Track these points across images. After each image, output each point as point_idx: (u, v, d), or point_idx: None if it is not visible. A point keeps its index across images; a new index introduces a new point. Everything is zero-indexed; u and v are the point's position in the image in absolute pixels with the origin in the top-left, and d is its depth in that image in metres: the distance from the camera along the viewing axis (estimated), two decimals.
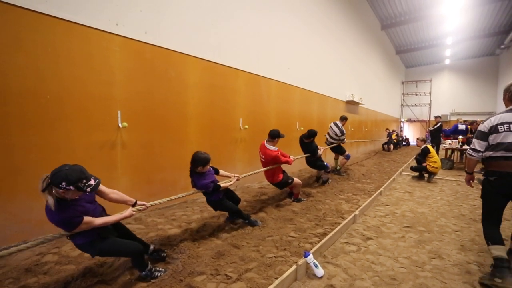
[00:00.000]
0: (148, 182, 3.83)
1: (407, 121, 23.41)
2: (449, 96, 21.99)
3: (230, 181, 3.26)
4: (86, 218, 1.79)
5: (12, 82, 2.62)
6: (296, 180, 4.26)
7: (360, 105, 12.21)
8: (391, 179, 6.14)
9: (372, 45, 14.12)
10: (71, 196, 1.74)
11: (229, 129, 5.19)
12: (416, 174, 6.77)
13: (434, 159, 6.20)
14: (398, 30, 16.50)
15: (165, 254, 2.53)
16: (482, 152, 2.40)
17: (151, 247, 2.47)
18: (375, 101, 15.02)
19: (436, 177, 6.54)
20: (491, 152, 2.32)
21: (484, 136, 2.37)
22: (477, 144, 2.42)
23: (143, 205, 2.34)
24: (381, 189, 5.10)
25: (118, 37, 3.43)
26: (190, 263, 2.42)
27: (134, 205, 2.28)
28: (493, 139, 2.31)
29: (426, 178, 6.40)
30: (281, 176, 4.12)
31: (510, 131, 2.22)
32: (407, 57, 21.77)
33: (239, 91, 5.34)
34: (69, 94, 3.01)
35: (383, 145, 14.45)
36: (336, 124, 6.61)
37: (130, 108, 3.56)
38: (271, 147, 4.02)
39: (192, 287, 2.08)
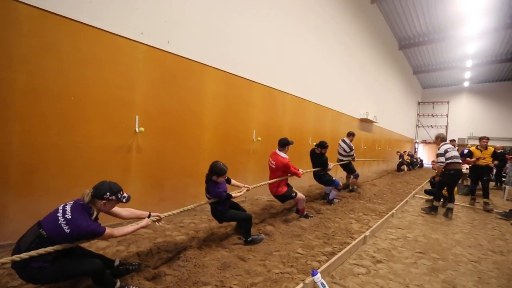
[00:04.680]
0: (159, 188, 3.88)
1: (421, 142, 22.85)
2: (467, 119, 21.42)
3: (241, 191, 3.28)
4: (108, 229, 1.91)
5: (39, 84, 2.75)
6: (299, 195, 4.20)
7: (374, 124, 12.07)
8: (403, 201, 5.97)
9: (389, 64, 14.08)
10: (109, 207, 1.97)
11: (242, 141, 5.23)
12: (430, 197, 6.51)
13: None
14: (416, 51, 16.41)
15: (135, 267, 2.36)
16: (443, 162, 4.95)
17: (116, 261, 2.31)
18: (390, 120, 14.82)
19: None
20: (449, 160, 4.92)
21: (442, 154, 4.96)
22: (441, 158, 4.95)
23: (157, 216, 2.41)
24: (393, 211, 4.96)
25: (142, 45, 3.58)
26: (195, 272, 2.40)
27: (148, 216, 2.34)
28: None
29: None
30: (285, 189, 4.08)
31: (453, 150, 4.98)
32: (425, 78, 21.51)
33: (254, 103, 5.41)
34: (92, 97, 3.14)
35: (398, 166, 14.02)
36: (344, 141, 6.58)
37: (148, 114, 3.66)
38: (282, 154, 4.04)
39: None
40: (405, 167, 14.09)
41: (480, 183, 6.33)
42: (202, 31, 4.32)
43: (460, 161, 5.05)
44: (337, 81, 8.74)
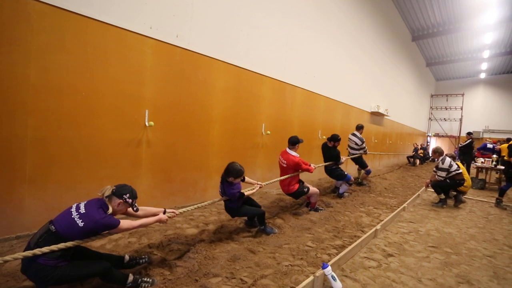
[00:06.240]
0: (169, 181, 3.92)
1: (434, 135, 22.30)
2: (483, 112, 20.73)
3: (254, 188, 3.30)
4: (124, 221, 1.96)
5: (50, 79, 2.80)
6: (312, 189, 4.18)
7: (385, 117, 11.84)
8: (415, 195, 5.86)
9: (401, 56, 13.71)
10: (121, 209, 2.00)
11: (252, 134, 5.22)
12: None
13: (464, 177, 5.81)
14: (430, 42, 15.90)
15: (145, 260, 2.39)
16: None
17: (126, 258, 2.33)
18: (402, 113, 14.51)
19: (465, 196, 6.14)
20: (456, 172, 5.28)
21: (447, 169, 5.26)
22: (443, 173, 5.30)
23: (173, 212, 2.43)
24: (405, 204, 4.87)
25: (151, 40, 3.58)
26: (206, 264, 2.43)
27: (164, 212, 2.36)
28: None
29: (453, 196, 5.71)
30: (296, 186, 4.04)
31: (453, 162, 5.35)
32: (438, 70, 20.87)
33: (263, 97, 5.38)
34: (103, 92, 3.18)
35: (408, 158, 13.83)
36: (354, 134, 6.48)
37: (158, 108, 3.69)
38: (293, 153, 3.99)
39: None
40: (417, 161, 13.83)
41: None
42: (211, 24, 4.29)
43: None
44: (348, 74, 8.58)
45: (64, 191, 2.92)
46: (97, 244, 2.66)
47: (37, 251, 1.63)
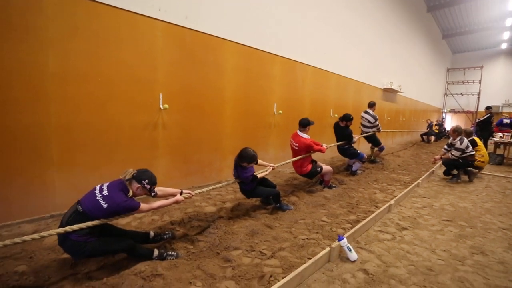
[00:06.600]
0: (185, 162, 4.04)
1: (450, 111, 21.59)
2: (503, 85, 19.73)
3: (266, 170, 3.36)
4: (143, 204, 2.07)
5: (67, 66, 2.87)
6: (326, 167, 4.21)
7: (398, 93, 11.51)
8: (429, 171, 5.82)
9: (415, 29, 13.05)
10: (140, 193, 2.08)
11: (263, 114, 5.23)
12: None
13: (482, 152, 5.70)
14: (446, 12, 14.99)
15: (168, 236, 2.54)
16: None
17: (151, 234, 2.47)
18: (416, 89, 14.03)
19: (482, 172, 6.05)
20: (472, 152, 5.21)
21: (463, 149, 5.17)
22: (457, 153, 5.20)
23: (189, 193, 2.54)
24: (419, 180, 4.87)
25: (160, 23, 3.57)
26: (226, 239, 2.56)
27: (181, 193, 2.46)
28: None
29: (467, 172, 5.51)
30: (309, 167, 4.06)
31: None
32: (455, 42, 19.81)
33: (274, 76, 5.33)
34: (118, 77, 3.24)
35: (422, 135, 13.55)
36: (367, 112, 6.34)
37: (171, 91, 3.74)
38: (304, 135, 3.99)
39: (229, 260, 2.21)
40: (432, 138, 13.53)
41: None
42: (219, 4, 4.21)
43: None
44: (359, 49, 8.30)
45: (89, 173, 3.07)
46: (123, 222, 2.83)
47: (68, 228, 1.79)
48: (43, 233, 1.77)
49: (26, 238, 1.71)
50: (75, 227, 1.80)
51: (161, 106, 3.61)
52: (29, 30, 2.61)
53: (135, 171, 2.05)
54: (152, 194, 2.11)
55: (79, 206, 1.91)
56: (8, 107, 2.55)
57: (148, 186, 2.04)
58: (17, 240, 1.65)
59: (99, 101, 3.12)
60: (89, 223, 1.85)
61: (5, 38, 2.50)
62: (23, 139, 2.65)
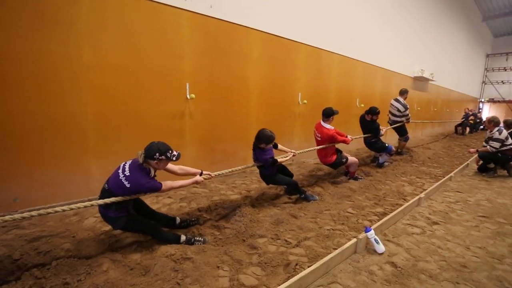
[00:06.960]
0: (211, 151, 4.13)
1: (488, 101, 20.01)
2: None
3: (287, 156, 3.34)
4: (165, 183, 2.14)
5: (100, 57, 3.00)
6: (351, 158, 4.11)
7: (430, 82, 10.83)
8: (464, 164, 5.50)
9: (451, 12, 12.09)
10: (162, 165, 2.14)
11: (288, 104, 5.19)
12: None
13: None
14: None
15: (194, 222, 2.63)
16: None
17: (177, 220, 2.56)
18: (449, 77, 13.09)
19: None
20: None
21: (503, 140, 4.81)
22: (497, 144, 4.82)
23: (208, 174, 2.60)
24: (452, 174, 4.62)
25: (186, 12, 3.60)
26: (251, 227, 2.61)
27: (200, 174, 2.52)
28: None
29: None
30: (334, 157, 3.98)
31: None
32: (498, 24, 18.10)
33: (299, 65, 5.23)
34: (147, 67, 3.34)
35: (456, 126, 12.71)
36: (397, 100, 5.94)
37: (197, 81, 3.80)
38: (327, 126, 3.90)
39: (255, 247, 2.26)
40: (467, 129, 12.65)
41: None
42: None
43: None
44: (388, 36, 7.87)
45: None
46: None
47: (94, 202, 2.00)
48: (72, 206, 1.93)
49: (50, 210, 1.85)
50: (100, 201, 2.00)
51: (188, 96, 3.68)
52: (65, 24, 2.75)
53: (143, 152, 2.06)
54: (173, 158, 2.12)
55: (106, 185, 2.08)
56: (51, 97, 2.74)
57: (163, 157, 2.05)
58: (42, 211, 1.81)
59: (131, 91, 3.25)
60: (113, 199, 2.01)
61: (50, 34, 2.66)
62: (64, 127, 2.85)
